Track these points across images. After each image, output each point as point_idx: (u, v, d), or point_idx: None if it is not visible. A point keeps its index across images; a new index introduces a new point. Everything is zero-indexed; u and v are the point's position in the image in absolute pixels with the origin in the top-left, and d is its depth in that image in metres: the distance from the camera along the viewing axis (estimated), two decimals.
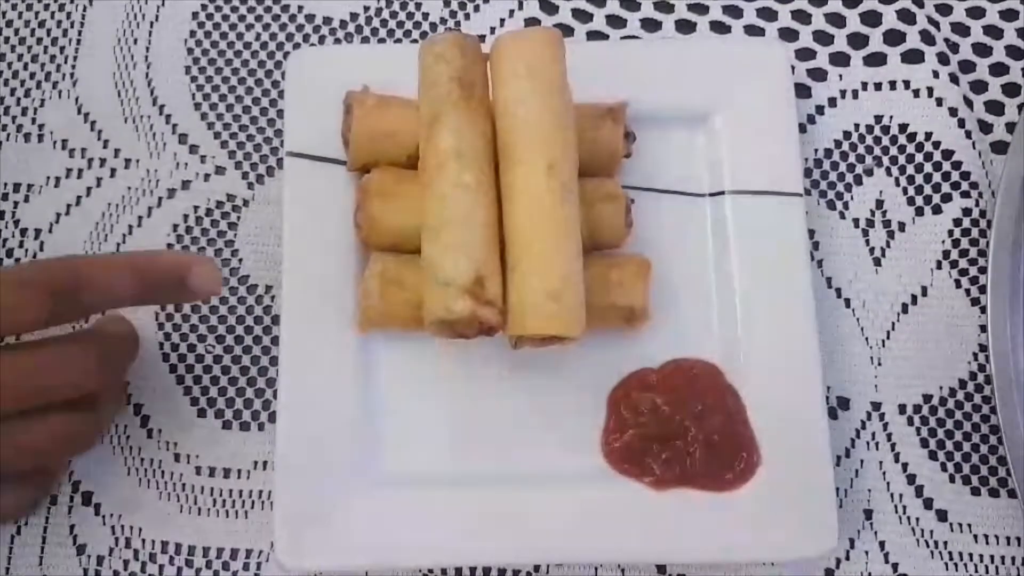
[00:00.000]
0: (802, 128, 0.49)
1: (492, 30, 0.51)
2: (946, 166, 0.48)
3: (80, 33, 0.51)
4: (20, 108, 0.50)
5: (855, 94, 0.50)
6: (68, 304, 0.37)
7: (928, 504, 0.45)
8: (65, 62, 0.50)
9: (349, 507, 0.42)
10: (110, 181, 0.49)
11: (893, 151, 0.49)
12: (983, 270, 0.46)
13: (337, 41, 0.50)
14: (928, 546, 0.45)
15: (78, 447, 0.41)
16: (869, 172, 0.49)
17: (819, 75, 0.50)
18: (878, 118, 0.49)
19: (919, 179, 0.48)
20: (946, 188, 0.48)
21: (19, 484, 0.40)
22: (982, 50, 0.50)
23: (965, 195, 0.48)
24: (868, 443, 0.46)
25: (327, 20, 0.51)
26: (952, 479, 0.45)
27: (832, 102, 0.50)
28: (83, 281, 0.37)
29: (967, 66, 0.50)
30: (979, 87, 0.50)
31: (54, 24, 0.51)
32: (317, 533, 0.41)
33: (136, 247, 0.48)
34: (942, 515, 0.45)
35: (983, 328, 0.46)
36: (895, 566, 0.44)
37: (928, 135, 0.48)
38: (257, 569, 0.44)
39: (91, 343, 0.39)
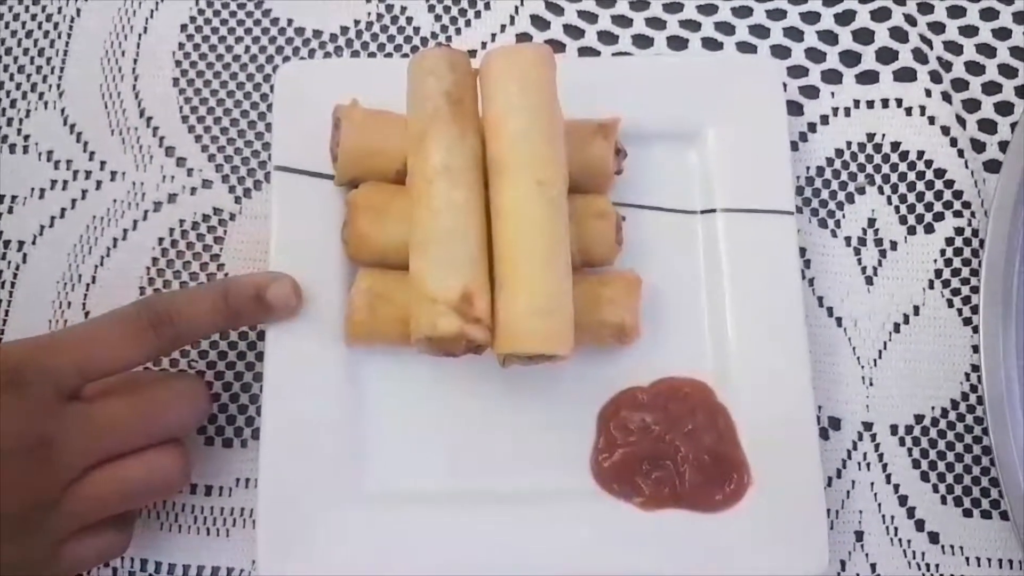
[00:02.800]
0: (794, 146, 0.48)
1: (483, 45, 0.50)
2: (938, 185, 0.48)
3: (67, 43, 0.50)
4: (5, 118, 0.49)
5: (847, 112, 0.49)
6: (166, 337, 0.39)
7: (919, 526, 0.45)
8: (52, 72, 0.50)
9: (333, 526, 0.41)
10: (96, 193, 0.48)
11: (885, 169, 0.49)
12: (975, 289, 0.46)
13: (327, 54, 0.50)
14: (919, 568, 0.44)
15: (175, 486, 0.41)
16: (861, 190, 0.49)
17: (811, 93, 0.50)
18: (870, 136, 0.49)
19: (911, 198, 0.48)
20: (938, 207, 0.48)
21: (105, 529, 0.39)
22: (975, 68, 0.50)
23: (957, 214, 0.47)
24: (859, 464, 0.45)
25: (317, 33, 0.50)
26: (944, 500, 0.45)
27: (824, 120, 0.49)
28: (177, 312, 0.39)
29: (960, 84, 0.50)
30: (972, 106, 0.50)
31: (41, 34, 0.50)
32: (300, 552, 0.41)
33: (121, 261, 0.47)
34: (934, 537, 0.45)
35: (975, 348, 0.46)
36: None
37: (920, 154, 0.48)
38: None
39: (197, 383, 0.42)
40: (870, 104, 0.49)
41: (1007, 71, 0.50)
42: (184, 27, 0.51)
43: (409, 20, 0.51)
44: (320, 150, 0.44)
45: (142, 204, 0.48)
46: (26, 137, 0.49)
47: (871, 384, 0.46)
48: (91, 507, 0.38)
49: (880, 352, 0.46)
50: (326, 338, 0.43)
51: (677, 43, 0.51)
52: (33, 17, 0.51)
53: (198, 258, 0.47)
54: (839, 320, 0.47)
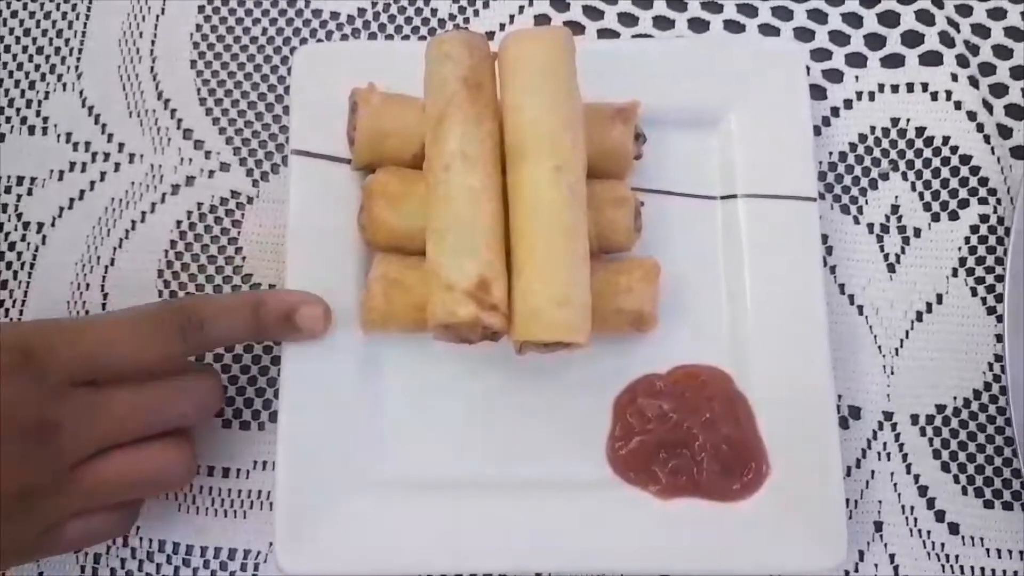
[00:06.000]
0: (817, 130, 0.48)
1: (502, 26, 0.50)
2: (964, 171, 0.47)
3: (85, 25, 0.50)
4: (24, 100, 0.49)
5: (871, 96, 0.49)
6: (193, 341, 0.39)
7: (940, 516, 0.44)
8: (70, 54, 0.50)
9: (350, 509, 0.41)
10: (114, 176, 0.48)
11: (909, 155, 0.48)
12: (1000, 278, 0.45)
13: (344, 37, 0.50)
14: (939, 559, 0.44)
15: (178, 482, 0.41)
16: (885, 176, 0.48)
17: (835, 76, 0.49)
18: (895, 121, 0.48)
19: (936, 184, 0.47)
20: (963, 194, 0.47)
21: (107, 511, 0.39)
22: (1003, 52, 0.49)
23: (983, 201, 0.47)
24: (879, 454, 0.45)
25: (334, 15, 0.50)
26: (965, 491, 0.44)
27: (848, 104, 0.49)
28: (207, 320, 0.39)
29: (987, 69, 0.49)
30: (999, 90, 0.49)
31: (59, 16, 0.50)
32: (317, 535, 0.41)
33: (140, 243, 0.47)
34: (954, 528, 0.44)
35: (999, 338, 0.45)
36: None
37: (946, 139, 0.47)
38: (255, 570, 0.44)
39: (211, 377, 0.42)
40: (895, 88, 0.49)
41: None
42: (201, 8, 0.50)
43: (427, 1, 0.50)
44: (337, 134, 0.44)
45: (160, 187, 0.48)
46: (45, 119, 0.49)
47: (892, 373, 0.46)
48: (91, 494, 0.37)
49: (902, 341, 0.46)
50: (343, 323, 0.43)
51: (698, 25, 0.50)
52: None
53: (216, 241, 0.47)
54: (860, 308, 0.46)
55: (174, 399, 0.39)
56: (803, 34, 0.50)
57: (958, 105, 0.48)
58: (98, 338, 0.38)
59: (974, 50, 0.49)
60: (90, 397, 0.37)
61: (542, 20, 0.50)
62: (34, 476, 0.36)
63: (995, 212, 0.46)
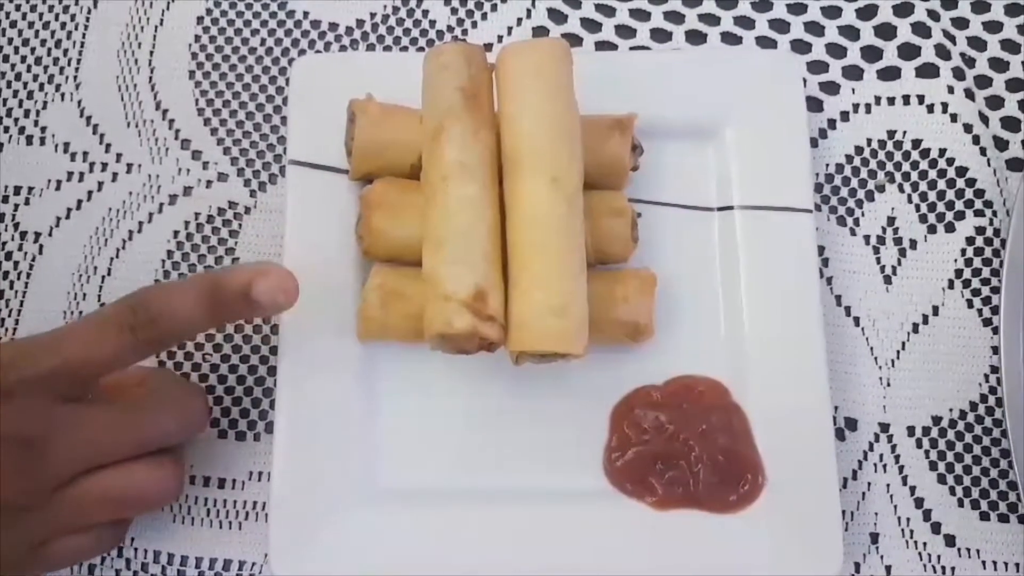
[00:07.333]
0: (813, 142, 0.48)
1: (500, 38, 0.50)
2: (960, 183, 0.47)
3: (84, 35, 0.50)
4: (23, 110, 0.50)
5: (868, 108, 0.49)
6: (147, 338, 0.37)
7: (936, 528, 0.44)
8: (68, 64, 0.50)
9: (345, 520, 0.41)
10: (111, 185, 0.48)
11: (906, 167, 0.48)
12: (996, 290, 0.46)
13: (342, 48, 0.50)
14: (935, 571, 0.44)
15: (166, 500, 0.40)
16: (881, 188, 0.48)
17: (831, 88, 0.49)
18: (891, 133, 0.48)
19: (932, 196, 0.47)
20: (959, 206, 0.47)
21: (92, 529, 0.39)
22: (999, 65, 0.49)
23: (979, 213, 0.47)
24: (876, 465, 0.45)
25: (333, 26, 0.50)
26: (961, 503, 0.44)
27: (844, 116, 0.49)
28: (156, 312, 0.37)
29: (983, 81, 0.49)
30: (995, 103, 0.49)
31: (58, 26, 0.51)
32: (312, 546, 0.41)
33: (137, 253, 0.47)
34: (950, 540, 0.44)
35: (995, 350, 0.45)
36: None
37: (942, 151, 0.48)
38: None
39: (196, 395, 0.41)
40: (891, 101, 0.49)
41: None
42: (200, 19, 0.50)
43: (425, 13, 0.50)
44: (335, 144, 0.44)
45: (157, 197, 0.48)
46: (43, 129, 0.49)
47: (888, 385, 0.46)
48: (76, 514, 0.37)
49: (898, 352, 0.46)
50: (340, 333, 0.43)
51: (696, 37, 0.50)
52: (50, 8, 0.51)
53: (213, 251, 0.47)
54: (857, 320, 0.46)
55: (158, 418, 0.39)
56: (800, 46, 0.50)
57: (954, 118, 0.48)
58: (57, 349, 0.36)
59: (970, 63, 0.49)
60: (72, 415, 0.36)
61: (540, 32, 0.50)
62: (18, 493, 0.35)
63: (991, 224, 0.47)
